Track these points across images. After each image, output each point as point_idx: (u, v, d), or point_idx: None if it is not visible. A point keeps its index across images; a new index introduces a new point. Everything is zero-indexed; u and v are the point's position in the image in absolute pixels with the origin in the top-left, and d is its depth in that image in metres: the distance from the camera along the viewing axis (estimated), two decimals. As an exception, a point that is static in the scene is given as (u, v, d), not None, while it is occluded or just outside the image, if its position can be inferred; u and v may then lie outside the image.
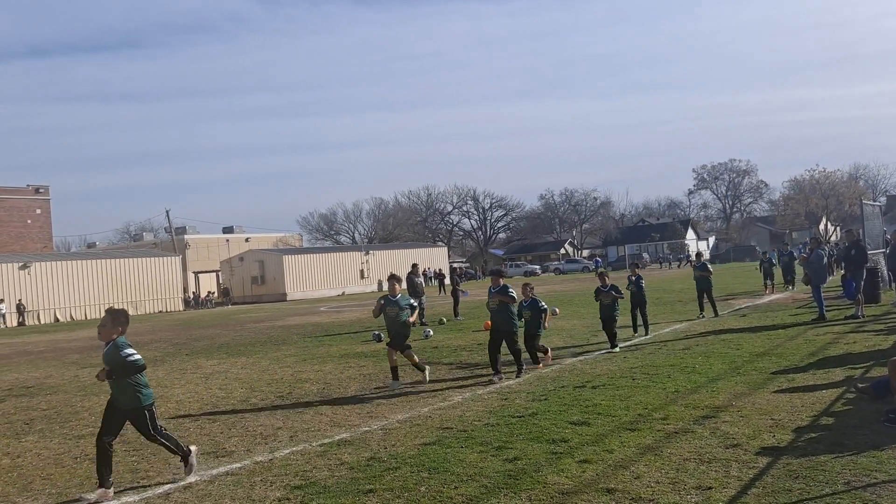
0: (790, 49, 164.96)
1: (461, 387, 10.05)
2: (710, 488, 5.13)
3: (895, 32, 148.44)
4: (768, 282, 25.17)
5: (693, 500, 4.94)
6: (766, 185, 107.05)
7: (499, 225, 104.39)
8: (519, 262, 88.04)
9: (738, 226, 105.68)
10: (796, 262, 26.10)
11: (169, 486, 6.11)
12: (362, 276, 60.03)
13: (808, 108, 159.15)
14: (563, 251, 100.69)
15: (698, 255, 19.93)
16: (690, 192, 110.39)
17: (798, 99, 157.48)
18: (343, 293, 56.86)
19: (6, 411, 10.65)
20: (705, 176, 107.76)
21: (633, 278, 14.76)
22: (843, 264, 20.50)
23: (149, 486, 6.17)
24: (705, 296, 17.76)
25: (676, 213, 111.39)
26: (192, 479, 6.24)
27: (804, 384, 8.53)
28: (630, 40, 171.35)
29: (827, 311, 15.48)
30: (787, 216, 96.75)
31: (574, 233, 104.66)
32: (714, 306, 17.76)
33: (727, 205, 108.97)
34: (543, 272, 78.58)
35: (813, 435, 6.36)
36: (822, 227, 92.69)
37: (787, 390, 8.27)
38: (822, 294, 15.61)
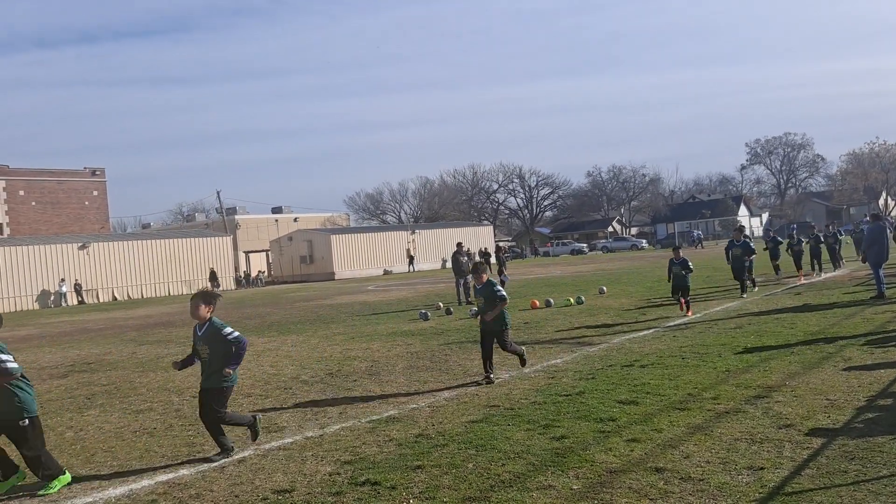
0: (846, 18, 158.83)
1: (508, 365, 10.06)
2: (762, 469, 5.05)
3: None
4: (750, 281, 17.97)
5: (744, 480, 4.87)
6: (823, 159, 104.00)
7: (545, 203, 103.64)
8: (566, 241, 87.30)
9: (793, 202, 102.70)
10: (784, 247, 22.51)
11: (224, 459, 6.29)
12: (409, 255, 60.35)
13: (868, 79, 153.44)
14: (610, 229, 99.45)
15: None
16: (743, 168, 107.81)
17: (857, 69, 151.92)
18: (390, 272, 57.29)
19: (69, 386, 11.08)
20: (759, 150, 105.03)
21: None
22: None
23: (205, 459, 6.36)
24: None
25: (728, 189, 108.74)
26: (245, 453, 6.42)
27: (861, 364, 8.30)
28: (679, 12, 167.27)
29: (887, 288, 14.99)
30: (844, 191, 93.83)
31: (622, 210, 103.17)
32: (522, 358, 9.45)
33: (781, 180, 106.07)
34: (591, 250, 77.81)
35: (870, 416, 6.19)
36: (881, 201, 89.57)
37: (844, 370, 8.06)
38: (882, 272, 15.11)
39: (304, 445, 6.57)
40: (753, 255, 17.84)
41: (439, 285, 31.92)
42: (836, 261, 23.70)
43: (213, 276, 49.57)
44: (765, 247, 23.30)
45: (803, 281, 20.08)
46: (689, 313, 14.05)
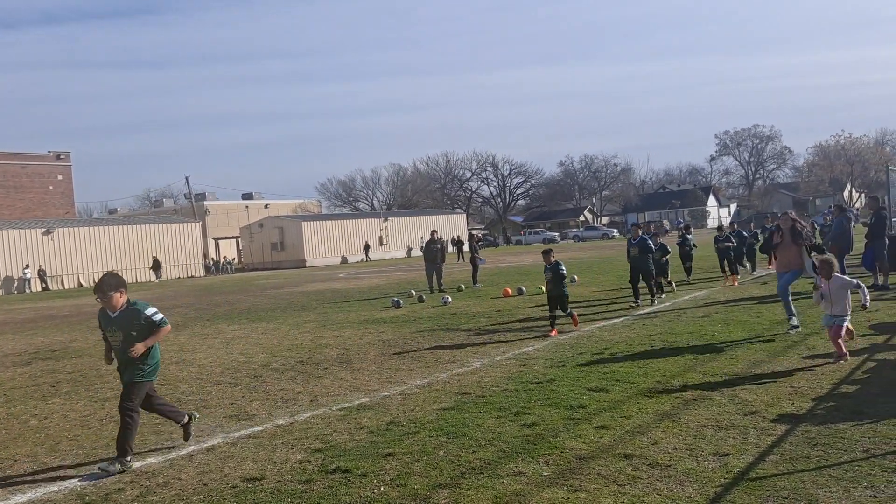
0: (815, 11, 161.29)
1: (480, 353, 10.10)
2: (727, 455, 5.14)
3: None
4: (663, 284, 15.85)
5: (710, 466, 4.95)
6: (790, 151, 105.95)
7: (518, 192, 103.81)
8: (538, 230, 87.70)
9: (761, 193, 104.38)
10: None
11: (193, 447, 6.23)
12: (381, 243, 60.22)
13: (835, 73, 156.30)
14: (582, 218, 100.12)
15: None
16: (712, 159, 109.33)
17: (824, 63, 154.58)
18: (345, 260, 56.65)
19: (33, 374, 10.88)
20: (728, 142, 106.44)
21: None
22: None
23: (173, 447, 6.30)
24: None
25: (698, 180, 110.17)
26: (214, 441, 6.36)
27: (824, 352, 8.46)
28: (650, 3, 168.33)
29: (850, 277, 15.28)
30: (811, 183, 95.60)
31: (594, 200, 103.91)
32: (186, 429, 6.50)
33: (750, 171, 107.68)
34: (562, 239, 78.31)
35: (832, 403, 6.33)
36: (846, 193, 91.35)
37: (807, 358, 8.22)
38: (845, 262, 15.41)
39: (274, 433, 6.53)
40: (666, 255, 15.80)
41: (411, 273, 31.92)
42: (749, 262, 20.14)
43: (157, 265, 47.32)
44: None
45: (728, 284, 17.30)
46: (576, 325, 11.70)
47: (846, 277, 8.33)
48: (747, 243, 19.91)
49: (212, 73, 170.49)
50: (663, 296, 15.50)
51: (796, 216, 10.38)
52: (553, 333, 11.24)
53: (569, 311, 11.65)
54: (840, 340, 7.95)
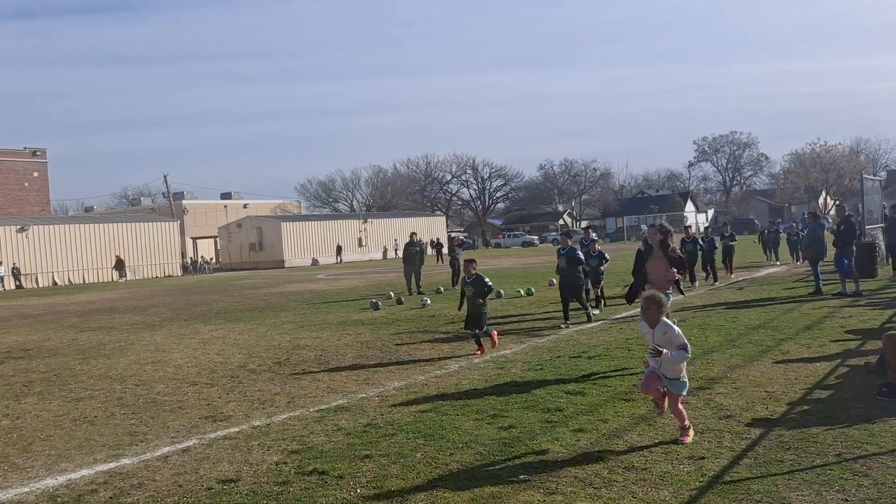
0: (792, 19, 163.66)
1: (458, 356, 10.10)
2: (702, 458, 5.19)
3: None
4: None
5: (686, 469, 5.00)
6: (767, 158, 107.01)
7: (497, 195, 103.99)
8: (517, 233, 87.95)
9: (738, 199, 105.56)
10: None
11: (167, 448, 6.17)
12: (360, 244, 60.09)
13: (811, 81, 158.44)
14: (561, 222, 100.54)
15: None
16: (690, 164, 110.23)
17: (801, 71, 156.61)
18: (315, 262, 56.22)
19: (5, 373, 10.71)
20: (706, 148, 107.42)
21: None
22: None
23: (147, 448, 6.23)
24: None
25: (676, 185, 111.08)
26: (189, 442, 6.31)
27: (799, 357, 8.58)
28: (631, 8, 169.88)
29: (823, 285, 15.52)
30: (786, 190, 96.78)
31: (573, 204, 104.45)
32: None
33: (727, 177, 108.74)
34: (541, 242, 78.60)
35: (806, 407, 6.41)
36: (821, 201, 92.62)
37: (782, 363, 8.32)
38: (819, 269, 15.64)
39: (250, 435, 6.49)
40: (603, 264, 14.97)
41: (389, 275, 31.85)
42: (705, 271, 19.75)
43: (120, 264, 46.15)
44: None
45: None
46: (480, 351, 10.08)
47: (676, 329, 5.66)
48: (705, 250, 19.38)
49: (190, 72, 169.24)
50: (597, 311, 13.93)
51: (668, 228, 8.91)
52: (479, 352, 10.05)
53: (486, 329, 10.26)
54: (680, 406, 5.68)
